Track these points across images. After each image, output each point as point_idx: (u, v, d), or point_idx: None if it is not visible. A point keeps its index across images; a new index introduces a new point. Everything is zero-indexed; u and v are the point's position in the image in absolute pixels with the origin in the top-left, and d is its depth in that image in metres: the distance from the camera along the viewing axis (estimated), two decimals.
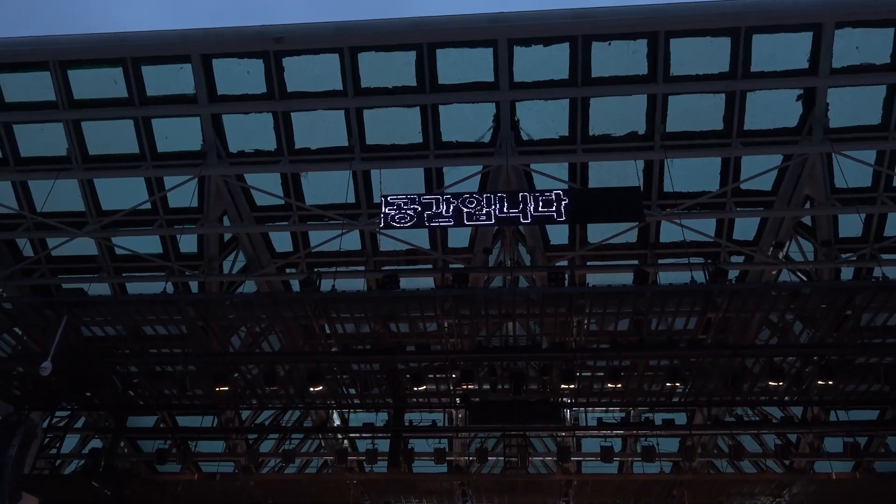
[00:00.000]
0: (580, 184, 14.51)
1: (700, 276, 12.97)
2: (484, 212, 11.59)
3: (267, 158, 14.52)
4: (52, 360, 11.72)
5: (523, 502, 19.27)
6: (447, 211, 11.62)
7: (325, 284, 13.02)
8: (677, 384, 14.01)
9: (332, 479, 18.34)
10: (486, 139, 14.17)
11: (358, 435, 18.85)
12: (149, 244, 15.93)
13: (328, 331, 14.25)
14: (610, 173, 14.37)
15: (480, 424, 16.68)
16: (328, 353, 14.90)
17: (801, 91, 13.25)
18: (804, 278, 15.44)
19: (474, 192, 12.04)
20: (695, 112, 13.64)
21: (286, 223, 15.57)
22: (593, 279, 16.04)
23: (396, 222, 11.66)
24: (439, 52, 13.07)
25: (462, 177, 14.20)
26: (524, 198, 11.61)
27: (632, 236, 15.30)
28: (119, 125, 14.26)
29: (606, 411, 17.10)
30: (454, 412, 17.70)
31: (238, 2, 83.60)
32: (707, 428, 17.50)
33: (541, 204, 11.54)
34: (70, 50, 13.24)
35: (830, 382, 13.51)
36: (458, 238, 15.76)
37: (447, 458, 18.04)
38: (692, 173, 14.33)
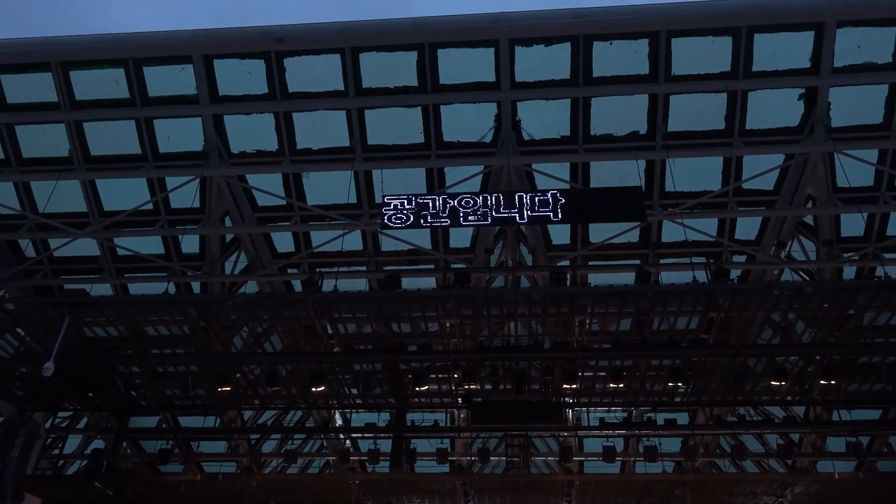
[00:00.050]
0: (582, 184, 14.51)
1: (702, 276, 12.97)
2: (480, 212, 11.59)
3: (268, 159, 14.53)
4: (54, 360, 11.72)
5: (525, 502, 19.24)
6: (443, 211, 11.62)
7: (327, 285, 13.01)
8: (679, 384, 14.00)
9: (334, 480, 18.34)
10: (488, 139, 14.18)
11: (360, 435, 18.89)
12: (151, 245, 15.94)
13: (330, 331, 14.26)
14: (611, 173, 14.36)
15: (482, 424, 16.68)
16: (330, 353, 14.92)
17: (803, 90, 13.23)
18: (806, 278, 15.42)
19: (471, 192, 12.05)
20: (696, 111, 13.63)
21: (288, 223, 15.58)
22: (595, 279, 16.02)
23: (392, 222, 11.67)
24: (441, 52, 13.08)
25: (463, 177, 14.19)
26: (520, 198, 11.62)
27: (633, 236, 15.30)
28: (121, 126, 14.28)
29: (608, 411, 17.09)
30: (456, 412, 17.70)
31: (238, 2, 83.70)
32: (709, 428, 17.48)
33: (537, 204, 11.55)
34: (72, 51, 13.26)
35: (833, 382, 13.49)
36: (460, 238, 15.76)
37: (449, 459, 18.03)
38: (694, 173, 14.32)
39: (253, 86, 13.63)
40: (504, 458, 18.27)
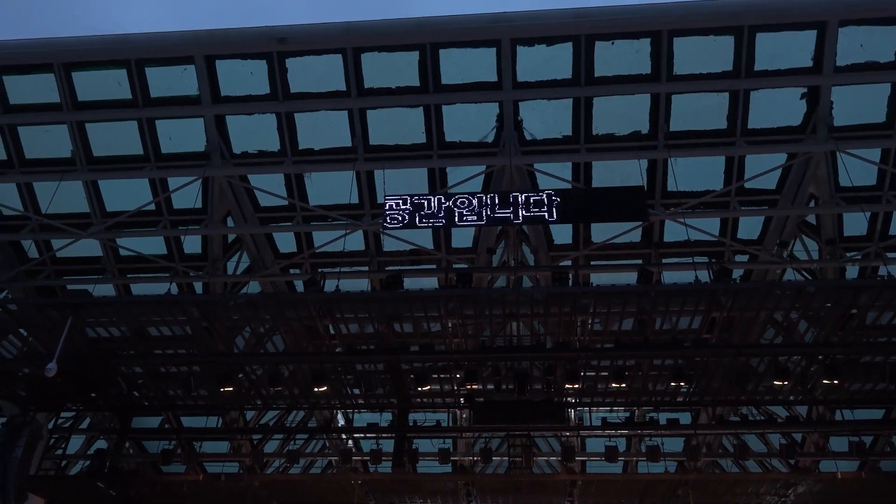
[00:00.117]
0: (584, 183, 14.50)
1: (704, 276, 12.96)
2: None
3: (270, 159, 14.54)
4: (57, 361, 11.73)
5: (528, 502, 19.23)
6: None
7: (329, 285, 13.02)
8: (682, 384, 13.97)
9: (336, 480, 18.35)
10: (490, 139, 14.17)
11: (362, 435, 18.89)
12: (153, 245, 15.96)
13: (332, 331, 14.26)
14: (613, 173, 14.35)
15: (485, 424, 16.68)
16: (332, 353, 14.93)
17: (805, 89, 13.22)
18: (809, 277, 15.41)
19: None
20: (698, 111, 13.61)
21: (290, 224, 15.59)
22: (597, 279, 16.02)
23: (388, 223, 11.69)
24: (442, 52, 13.07)
25: (465, 177, 14.19)
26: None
27: (636, 236, 15.29)
28: (123, 126, 14.29)
29: (611, 411, 17.08)
30: (458, 412, 17.71)
31: (238, 1, 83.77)
32: (712, 427, 17.46)
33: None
34: (74, 52, 13.27)
35: (836, 382, 13.46)
36: (462, 238, 15.77)
37: (451, 458, 18.07)
38: (696, 172, 14.30)
39: (255, 86, 13.64)
40: (506, 458, 18.23)
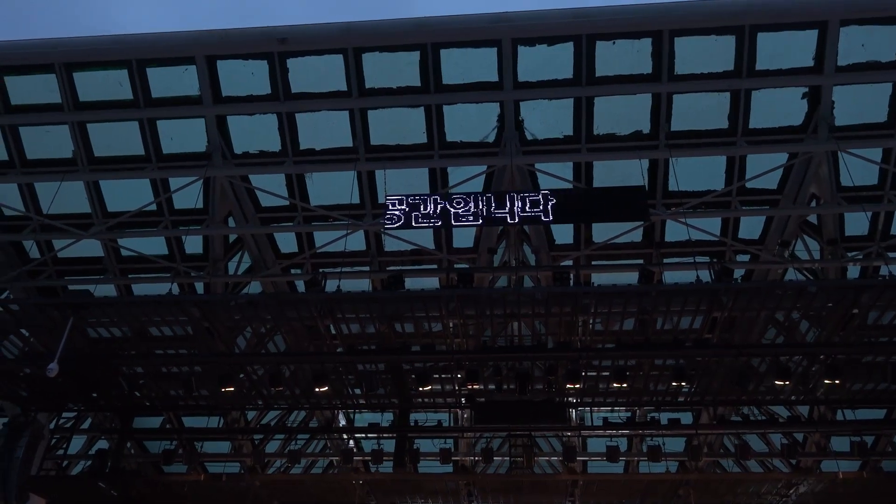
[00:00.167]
0: (585, 183, 14.50)
1: (705, 276, 12.96)
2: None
3: (272, 159, 14.55)
4: (58, 361, 11.74)
5: (529, 502, 19.23)
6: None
7: (331, 285, 13.02)
8: (683, 383, 13.99)
9: (337, 480, 18.36)
10: (491, 139, 14.18)
11: (363, 435, 18.91)
12: (154, 245, 15.96)
13: (333, 331, 14.26)
14: (614, 173, 14.35)
15: (486, 424, 16.67)
16: (333, 353, 14.94)
17: (807, 89, 13.21)
18: (810, 277, 15.39)
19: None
20: (699, 111, 13.60)
21: (291, 224, 15.59)
22: (598, 279, 16.03)
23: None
24: (443, 52, 13.08)
25: (466, 177, 14.19)
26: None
27: (637, 236, 15.28)
28: (124, 127, 14.30)
29: (612, 411, 17.08)
30: (459, 412, 17.70)
31: (238, 2, 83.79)
32: (713, 427, 17.44)
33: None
34: (75, 52, 13.28)
35: (837, 381, 13.46)
36: (463, 238, 15.76)
37: (453, 458, 18.07)
38: (697, 172, 14.29)
39: (256, 86, 13.64)
40: (507, 458, 18.25)
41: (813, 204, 14.56)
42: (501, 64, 13.09)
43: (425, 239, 15.46)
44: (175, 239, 15.83)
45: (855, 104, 13.24)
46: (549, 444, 20.23)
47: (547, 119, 13.92)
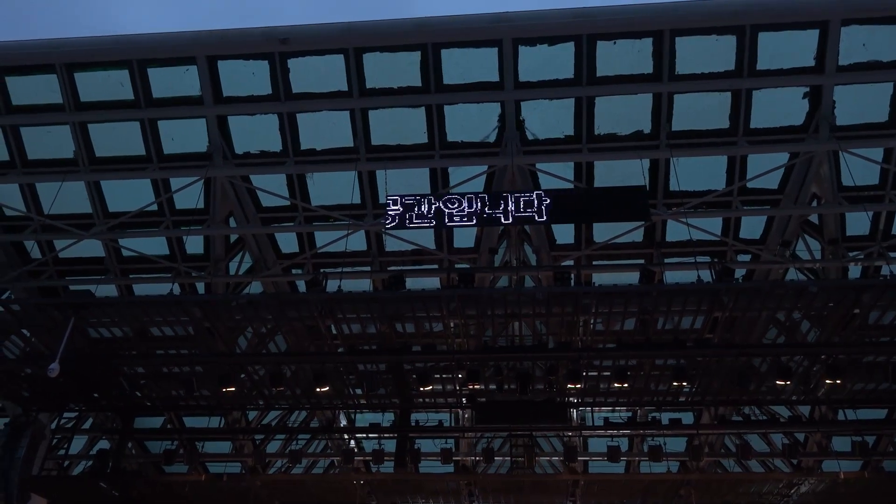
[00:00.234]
0: (585, 183, 14.49)
1: (706, 275, 12.95)
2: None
3: (272, 159, 14.55)
4: (59, 361, 11.76)
5: (530, 502, 19.23)
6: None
7: (331, 285, 13.03)
8: (684, 383, 14.00)
9: (338, 480, 18.37)
10: (492, 139, 14.17)
11: (364, 435, 18.92)
12: (155, 245, 15.97)
13: (334, 331, 14.26)
14: (615, 172, 14.34)
15: (487, 424, 16.68)
16: (334, 353, 14.93)
17: (808, 89, 13.20)
18: (811, 277, 15.38)
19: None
20: (700, 110, 13.60)
21: (292, 224, 15.60)
22: (599, 279, 16.02)
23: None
24: (444, 52, 13.08)
25: (467, 177, 14.19)
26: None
27: (638, 235, 15.27)
28: (125, 127, 14.31)
29: (613, 411, 17.08)
30: (460, 412, 17.70)
31: (239, 2, 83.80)
32: (714, 427, 17.45)
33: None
34: (76, 52, 13.29)
35: (838, 381, 13.48)
36: (464, 238, 15.76)
37: (454, 459, 18.07)
38: (698, 172, 14.28)
39: (257, 86, 13.65)
40: (508, 458, 18.26)
41: (814, 204, 14.55)
42: (502, 64, 13.09)
43: (426, 239, 15.46)
44: (176, 239, 15.84)
45: (856, 104, 13.23)
46: (550, 444, 20.24)
47: (548, 119, 13.92)
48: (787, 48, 12.73)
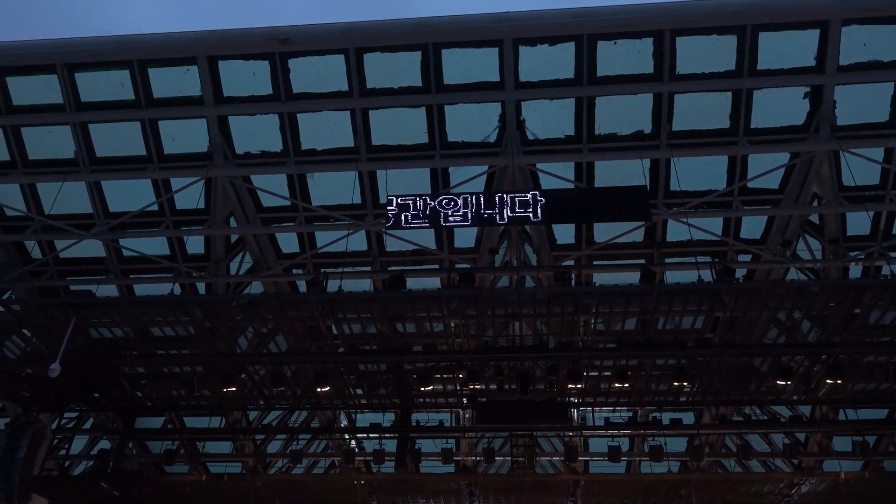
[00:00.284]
0: (586, 183, 14.49)
1: (707, 275, 12.94)
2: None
3: (273, 159, 14.56)
4: (60, 361, 11.77)
5: (531, 502, 19.22)
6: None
7: (332, 285, 13.04)
8: (685, 383, 13.99)
9: (339, 480, 18.37)
10: (492, 139, 14.18)
11: (365, 435, 18.91)
12: (156, 246, 15.98)
13: (335, 331, 14.27)
14: (616, 172, 14.34)
15: (487, 424, 16.67)
16: (335, 353, 14.94)
17: (808, 89, 13.20)
18: (812, 277, 15.37)
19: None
20: (701, 110, 13.60)
21: (292, 224, 15.60)
22: (600, 278, 16.02)
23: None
24: (444, 52, 13.08)
25: (468, 177, 14.19)
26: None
27: (638, 235, 15.27)
28: (126, 127, 14.32)
29: (614, 411, 17.07)
30: (461, 412, 17.70)
31: (240, 2, 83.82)
32: (715, 427, 17.45)
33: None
34: (77, 53, 13.30)
35: (839, 381, 13.46)
36: (465, 238, 15.76)
37: (454, 458, 18.06)
38: (698, 172, 14.28)
39: (257, 86, 13.66)
40: (509, 458, 18.25)
41: (815, 203, 14.55)
42: (503, 64, 13.09)
43: (426, 239, 15.46)
44: (177, 239, 15.84)
45: (857, 104, 13.23)
46: (551, 444, 20.24)
47: (548, 119, 13.92)
48: (788, 48, 12.73)
